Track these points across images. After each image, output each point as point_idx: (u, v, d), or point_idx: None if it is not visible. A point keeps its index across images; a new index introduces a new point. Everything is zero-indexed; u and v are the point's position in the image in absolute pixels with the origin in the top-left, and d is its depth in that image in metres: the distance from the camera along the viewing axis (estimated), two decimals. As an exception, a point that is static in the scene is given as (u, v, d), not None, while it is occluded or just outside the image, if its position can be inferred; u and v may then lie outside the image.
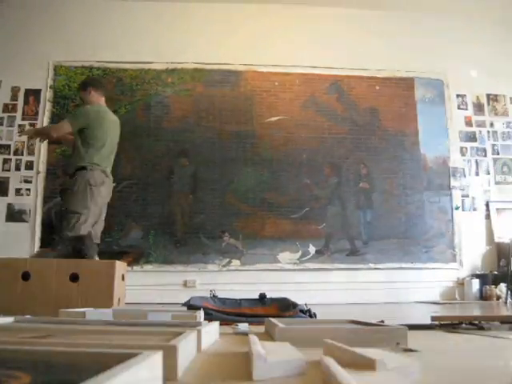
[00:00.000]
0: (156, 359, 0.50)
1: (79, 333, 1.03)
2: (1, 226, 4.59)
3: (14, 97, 4.86)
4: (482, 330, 1.77)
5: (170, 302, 4.24)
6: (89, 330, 1.06)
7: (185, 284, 4.54)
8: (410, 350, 1.14)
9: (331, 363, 0.62)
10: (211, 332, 1.30)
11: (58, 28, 5.03)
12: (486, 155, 5.17)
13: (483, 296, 4.52)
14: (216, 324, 1.44)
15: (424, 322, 1.84)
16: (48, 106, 4.82)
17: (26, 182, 4.68)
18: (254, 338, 0.85)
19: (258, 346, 0.82)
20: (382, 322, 1.76)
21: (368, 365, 0.70)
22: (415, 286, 4.53)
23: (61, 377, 0.41)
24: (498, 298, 4.42)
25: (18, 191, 4.66)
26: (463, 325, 1.76)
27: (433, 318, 1.83)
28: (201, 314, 1.59)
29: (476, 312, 3.25)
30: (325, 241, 4.77)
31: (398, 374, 0.65)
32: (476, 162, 5.15)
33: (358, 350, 0.77)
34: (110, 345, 0.62)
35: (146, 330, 1.09)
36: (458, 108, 5.25)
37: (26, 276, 2.33)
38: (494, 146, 5.21)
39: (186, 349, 0.82)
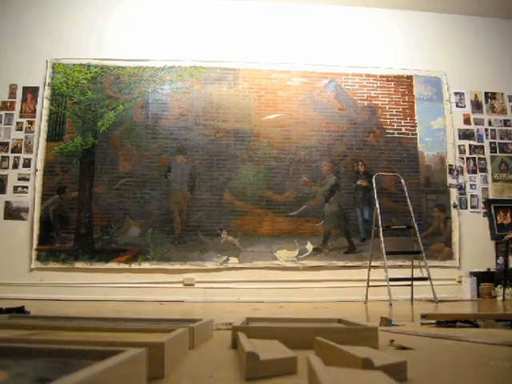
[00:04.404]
0: (139, 356, 0.50)
1: (71, 329, 1.04)
2: (-1, 224, 4.59)
3: (12, 94, 4.85)
4: (477, 328, 1.77)
5: (168, 299, 4.25)
6: (82, 327, 1.06)
7: (183, 282, 4.54)
8: (404, 348, 1.14)
9: (316, 362, 0.62)
10: (206, 329, 1.30)
11: (55, 26, 5.02)
12: (483, 153, 5.17)
13: (480, 293, 4.52)
14: (211, 320, 1.44)
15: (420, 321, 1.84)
16: (46, 103, 4.81)
17: (24, 179, 4.68)
18: (242, 336, 0.85)
19: (248, 344, 0.82)
20: (387, 319, 1.76)
21: (355, 363, 0.70)
22: (413, 284, 4.52)
23: (39, 374, 0.41)
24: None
25: (15, 189, 4.66)
26: (458, 323, 1.76)
27: (423, 316, 1.84)
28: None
29: (472, 310, 3.25)
30: (323, 238, 4.77)
31: (384, 373, 0.65)
32: (474, 159, 5.15)
33: (346, 348, 0.77)
34: (96, 342, 0.62)
35: (140, 326, 1.09)
36: (457, 106, 5.25)
37: None
38: (491, 143, 5.20)
39: (176, 346, 0.82)
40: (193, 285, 4.54)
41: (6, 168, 4.71)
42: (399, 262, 4.71)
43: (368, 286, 4.15)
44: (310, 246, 4.73)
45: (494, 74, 5.34)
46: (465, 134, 5.19)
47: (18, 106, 4.84)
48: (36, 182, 4.65)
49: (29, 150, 4.74)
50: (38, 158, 4.70)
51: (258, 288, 4.49)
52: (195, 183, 4.78)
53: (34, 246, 4.52)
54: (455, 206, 4.96)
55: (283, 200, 4.82)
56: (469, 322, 1.82)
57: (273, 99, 5.03)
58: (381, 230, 4.06)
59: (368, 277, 4.15)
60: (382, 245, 3.99)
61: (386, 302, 3.75)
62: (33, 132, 4.78)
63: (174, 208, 4.71)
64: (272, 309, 3.28)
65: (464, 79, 5.28)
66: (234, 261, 4.64)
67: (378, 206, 4.17)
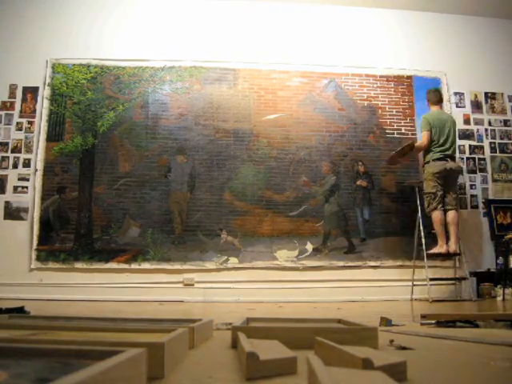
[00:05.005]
0: (138, 356, 0.50)
1: (71, 329, 1.03)
2: (-2, 224, 4.59)
3: (12, 94, 4.85)
4: (477, 328, 1.77)
5: (168, 299, 4.25)
6: (82, 327, 1.06)
7: (183, 282, 4.54)
8: (404, 348, 1.14)
9: (316, 362, 0.62)
10: (206, 329, 1.30)
11: (55, 25, 5.02)
12: (483, 153, 5.18)
13: (480, 293, 4.52)
14: (211, 320, 1.44)
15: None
16: (46, 103, 4.81)
17: (24, 179, 4.68)
18: (242, 336, 0.85)
19: (248, 344, 0.82)
20: (387, 319, 1.76)
21: (355, 363, 0.70)
22: (413, 284, 4.53)
23: (38, 374, 0.42)
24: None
25: (15, 189, 4.66)
26: (457, 323, 1.76)
27: (423, 316, 1.84)
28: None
29: (472, 310, 3.25)
30: (323, 238, 4.77)
31: (384, 373, 0.65)
32: (474, 159, 5.15)
33: (346, 348, 0.77)
34: (96, 342, 0.62)
35: (140, 327, 1.09)
36: (456, 106, 5.25)
37: None
38: (491, 143, 5.21)
39: (176, 346, 0.82)
40: (193, 285, 4.54)
41: (6, 168, 4.71)
42: (399, 263, 4.72)
43: (413, 285, 4.51)
44: (309, 246, 4.73)
45: (494, 73, 5.34)
46: (465, 134, 5.19)
47: (17, 106, 4.84)
48: (36, 182, 4.65)
49: (29, 150, 4.74)
50: (38, 158, 4.70)
51: (257, 288, 4.49)
52: (195, 183, 4.78)
53: (34, 246, 4.52)
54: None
55: (283, 200, 4.82)
56: (469, 322, 1.82)
57: (273, 99, 5.03)
58: (422, 234, 4.41)
59: (413, 275, 4.53)
60: (424, 246, 4.40)
61: (387, 303, 3.76)
62: (33, 132, 4.77)
63: (174, 208, 4.71)
64: (272, 309, 3.28)
65: (464, 79, 5.28)
66: (233, 261, 4.64)
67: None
